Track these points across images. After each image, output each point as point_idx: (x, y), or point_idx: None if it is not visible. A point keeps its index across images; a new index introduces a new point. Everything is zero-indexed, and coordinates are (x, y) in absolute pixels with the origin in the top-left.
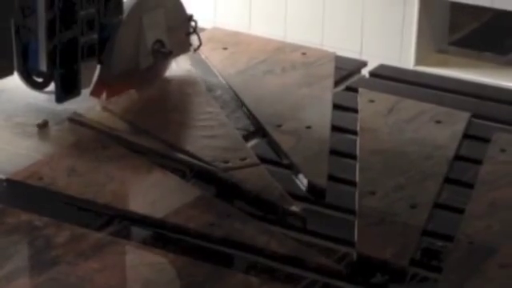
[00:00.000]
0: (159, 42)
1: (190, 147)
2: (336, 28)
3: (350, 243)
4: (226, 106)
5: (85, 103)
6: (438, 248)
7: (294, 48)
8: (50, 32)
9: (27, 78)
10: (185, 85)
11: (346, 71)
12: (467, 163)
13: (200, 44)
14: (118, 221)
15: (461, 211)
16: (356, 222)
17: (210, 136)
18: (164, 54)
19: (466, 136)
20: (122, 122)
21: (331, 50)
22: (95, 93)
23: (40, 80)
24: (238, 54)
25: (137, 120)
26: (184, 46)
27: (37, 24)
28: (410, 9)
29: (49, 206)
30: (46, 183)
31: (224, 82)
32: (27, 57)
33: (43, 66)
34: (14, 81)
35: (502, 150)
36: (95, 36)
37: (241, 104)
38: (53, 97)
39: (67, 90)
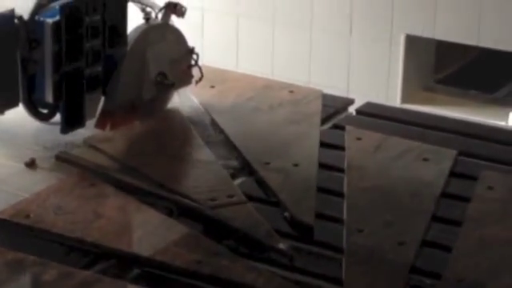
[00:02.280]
0: (162, 74)
1: (176, 185)
2: (323, 66)
3: (338, 281)
4: (213, 143)
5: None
6: (427, 286)
7: (282, 85)
8: (56, 64)
9: (32, 109)
10: (172, 123)
11: (333, 109)
12: (455, 201)
13: (202, 76)
14: (105, 259)
15: (449, 249)
16: (344, 260)
17: (196, 174)
18: (167, 86)
19: (453, 174)
20: (109, 160)
21: (318, 87)
22: (99, 124)
23: (45, 111)
24: (225, 91)
25: (124, 158)
26: (186, 78)
27: (43, 56)
28: (396, 47)
29: (35, 244)
30: (33, 221)
31: (211, 120)
32: (33, 88)
33: (49, 98)
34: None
35: (490, 188)
36: (100, 68)
37: (228, 141)
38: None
39: (72, 121)
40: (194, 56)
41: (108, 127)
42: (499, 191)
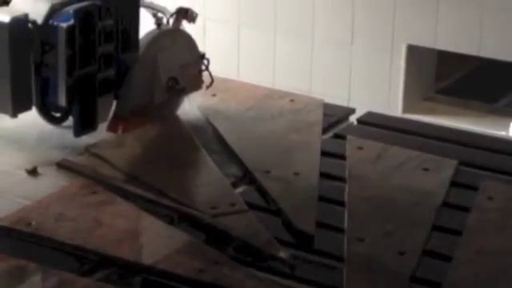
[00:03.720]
0: (173, 78)
1: (178, 193)
2: (324, 75)
3: None
4: (215, 152)
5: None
6: None
7: (283, 95)
8: (70, 68)
9: (45, 113)
10: (173, 131)
11: (334, 118)
12: (455, 210)
13: (212, 81)
14: (106, 267)
15: (449, 258)
16: (344, 269)
17: (198, 182)
18: (177, 91)
19: (454, 183)
20: (111, 168)
21: (319, 96)
22: (111, 128)
23: (58, 115)
24: (226, 100)
25: (125, 166)
26: (196, 83)
27: (56, 60)
28: (398, 57)
29: (37, 252)
30: (34, 228)
31: (213, 128)
32: (46, 92)
33: (62, 101)
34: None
35: (490, 198)
36: (112, 72)
37: (229, 150)
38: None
39: (84, 124)
40: (205, 61)
41: (120, 131)
42: (499, 201)
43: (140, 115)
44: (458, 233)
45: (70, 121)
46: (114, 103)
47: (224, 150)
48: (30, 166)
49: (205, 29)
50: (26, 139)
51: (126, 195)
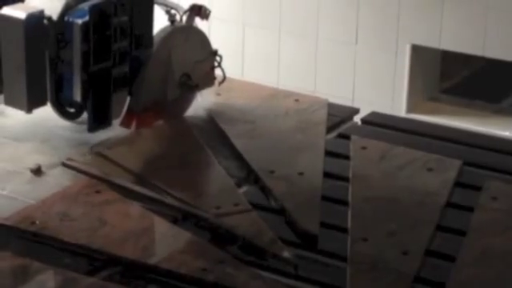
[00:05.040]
0: (186, 75)
1: (182, 192)
2: (328, 75)
3: None
4: (219, 151)
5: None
6: None
7: (287, 94)
8: (85, 63)
9: (60, 108)
10: (177, 130)
11: (339, 118)
12: (459, 211)
13: (224, 78)
14: (110, 266)
15: (452, 259)
16: (348, 269)
17: (202, 181)
18: (190, 87)
19: (458, 184)
20: (115, 168)
21: (324, 96)
22: (125, 123)
23: (72, 110)
24: (231, 99)
25: (130, 165)
26: (209, 80)
27: (71, 56)
28: (402, 57)
29: (41, 251)
30: (39, 227)
31: (217, 128)
32: (61, 88)
33: (77, 97)
34: None
35: (494, 198)
36: (126, 68)
37: (233, 150)
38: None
39: (99, 120)
40: (217, 58)
41: (133, 126)
42: (503, 201)
43: (153, 111)
44: (462, 233)
45: (84, 116)
46: (128, 99)
47: (228, 149)
48: (34, 165)
49: (210, 28)
50: (37, 135)
51: (130, 195)
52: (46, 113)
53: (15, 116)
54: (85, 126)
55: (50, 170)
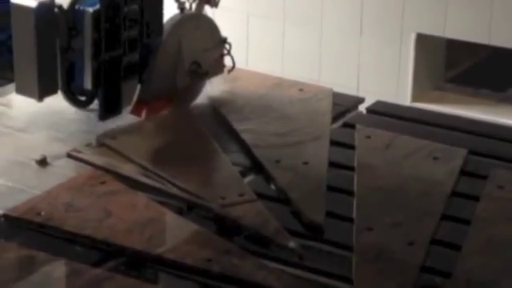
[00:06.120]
0: (196, 63)
1: (187, 183)
2: (333, 64)
3: (348, 279)
4: (224, 141)
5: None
6: (436, 285)
7: (292, 84)
8: (95, 52)
9: (71, 96)
10: (182, 121)
11: (344, 107)
12: (465, 200)
13: (234, 66)
14: (115, 257)
15: (458, 248)
16: (353, 259)
17: (207, 172)
18: (200, 75)
19: (463, 172)
20: (120, 158)
21: (328, 86)
22: (135, 111)
23: (83, 99)
24: (235, 89)
25: (135, 156)
26: (218, 68)
27: (82, 44)
28: (407, 46)
29: (46, 242)
30: (44, 218)
31: (221, 117)
32: (72, 76)
33: (88, 85)
34: None
35: (500, 187)
36: (137, 56)
37: (238, 139)
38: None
39: (109, 108)
40: (227, 46)
41: (143, 114)
42: (509, 190)
43: (163, 99)
44: (468, 222)
45: (94, 104)
46: (138, 87)
47: (233, 139)
48: (40, 156)
49: (214, 18)
50: (42, 127)
51: (136, 185)
52: (52, 104)
53: (21, 107)
54: (91, 116)
55: (56, 161)
